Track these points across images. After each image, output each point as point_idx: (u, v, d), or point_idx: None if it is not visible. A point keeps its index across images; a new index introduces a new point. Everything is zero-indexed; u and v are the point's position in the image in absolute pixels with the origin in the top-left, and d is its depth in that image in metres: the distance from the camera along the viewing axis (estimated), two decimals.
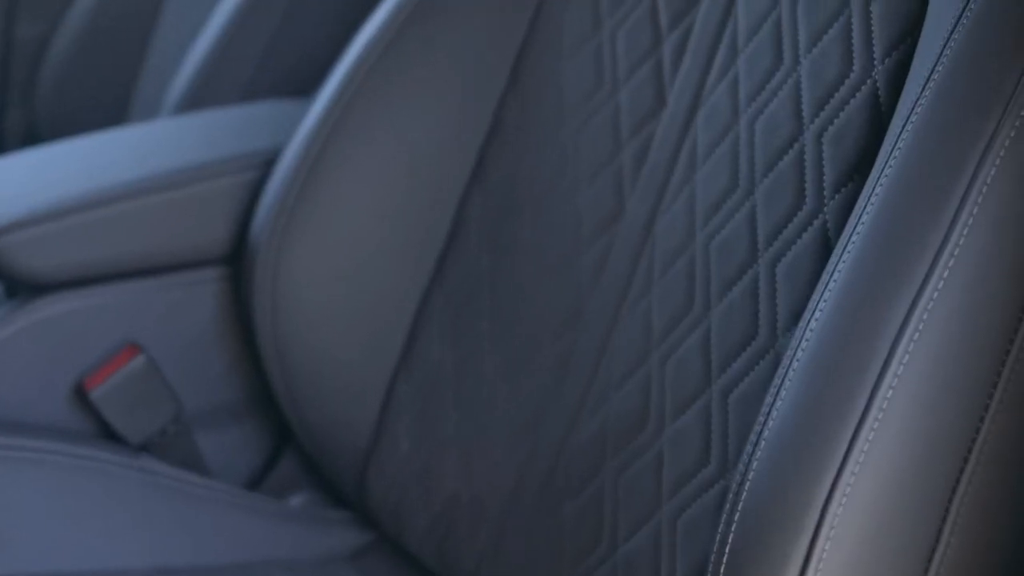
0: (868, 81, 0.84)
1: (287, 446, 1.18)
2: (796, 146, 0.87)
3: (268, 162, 1.11)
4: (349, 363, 1.08)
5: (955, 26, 0.74)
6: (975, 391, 0.68)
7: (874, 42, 0.84)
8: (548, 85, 1.06)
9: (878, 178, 0.72)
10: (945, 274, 0.67)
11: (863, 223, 0.71)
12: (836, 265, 0.71)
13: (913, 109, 0.73)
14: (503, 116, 1.08)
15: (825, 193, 0.84)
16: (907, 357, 0.66)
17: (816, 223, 0.84)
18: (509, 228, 1.05)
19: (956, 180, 0.69)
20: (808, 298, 0.82)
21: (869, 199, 0.72)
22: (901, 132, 0.72)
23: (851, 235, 0.72)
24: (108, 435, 1.10)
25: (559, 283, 1.01)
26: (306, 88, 1.32)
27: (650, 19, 1.01)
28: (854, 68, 0.85)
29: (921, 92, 0.73)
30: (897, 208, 0.70)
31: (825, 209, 0.83)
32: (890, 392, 0.66)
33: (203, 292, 1.11)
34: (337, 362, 1.08)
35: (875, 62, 0.84)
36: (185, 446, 1.12)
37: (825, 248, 0.82)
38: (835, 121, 0.85)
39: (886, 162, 0.72)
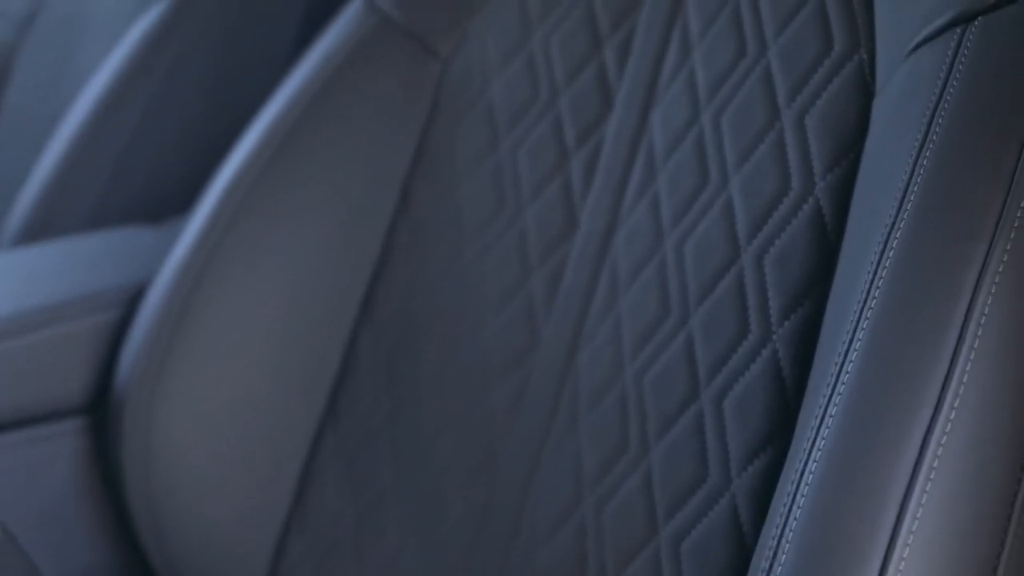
0: (810, 199, 0.78)
1: None
2: (733, 270, 0.81)
3: (132, 298, 1.00)
4: (233, 520, 0.97)
5: (922, 146, 0.68)
6: (989, 536, 0.62)
7: (812, 157, 0.79)
8: (443, 207, 0.98)
9: (861, 311, 0.66)
10: (952, 416, 0.61)
11: (852, 361, 0.65)
12: (825, 411, 0.64)
13: (890, 236, 0.67)
14: (393, 242, 0.99)
15: (772, 320, 0.78)
16: (920, 511, 0.60)
17: (765, 352, 0.77)
18: (407, 367, 0.96)
19: (952, 312, 0.63)
20: (764, 433, 0.76)
21: (854, 337, 0.65)
22: (880, 261, 0.66)
23: (838, 378, 0.65)
24: None
25: (468, 426, 0.92)
26: (160, 212, 1.21)
27: (554, 134, 0.94)
28: (792, 185, 0.79)
29: (896, 217, 0.67)
30: (889, 346, 0.64)
31: (774, 337, 0.77)
32: (906, 551, 0.60)
33: (61, 448, 0.99)
34: (219, 519, 0.97)
35: (816, 178, 0.79)
36: None
37: (778, 379, 0.76)
38: (776, 242, 0.79)
39: (868, 295, 0.66)
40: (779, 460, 0.75)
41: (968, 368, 0.62)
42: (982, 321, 0.62)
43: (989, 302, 0.63)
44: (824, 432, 0.64)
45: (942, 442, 0.61)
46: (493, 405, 0.91)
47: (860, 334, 0.65)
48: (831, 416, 0.64)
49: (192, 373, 0.96)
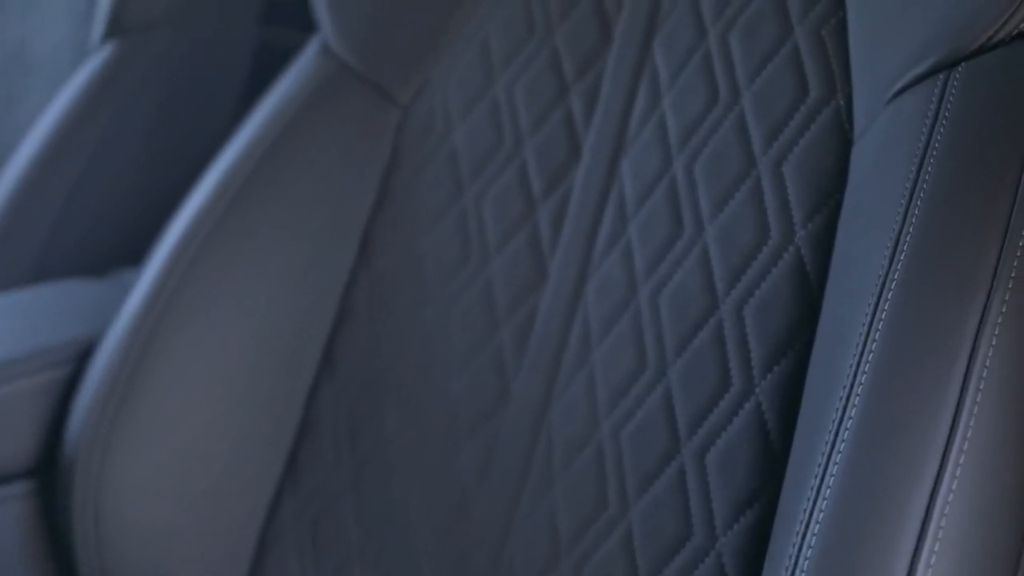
0: (790, 248, 0.77)
1: None
2: (712, 321, 0.79)
3: (80, 355, 0.96)
4: None
5: (912, 195, 0.67)
6: None
7: (791, 205, 0.78)
8: (405, 258, 0.95)
9: (857, 367, 0.64)
10: (957, 472, 0.59)
11: (851, 418, 0.62)
12: (825, 470, 0.62)
13: (884, 289, 0.65)
14: (354, 294, 0.96)
15: (754, 372, 0.76)
16: (929, 572, 0.58)
17: (748, 405, 0.75)
18: (371, 423, 0.93)
19: (952, 367, 0.61)
20: (750, 489, 0.73)
21: (852, 392, 0.63)
22: (875, 314, 0.65)
23: (837, 435, 0.63)
24: None
25: (437, 485, 0.89)
26: (104, 263, 1.17)
27: (520, 182, 0.92)
28: (771, 234, 0.78)
29: (889, 269, 0.65)
30: (890, 404, 0.62)
31: (757, 390, 0.75)
32: None
33: (7, 512, 0.94)
34: None
35: (796, 227, 0.77)
36: None
37: (762, 433, 0.74)
38: (756, 292, 0.77)
39: (864, 348, 0.64)
40: (766, 517, 0.73)
41: (972, 424, 0.60)
42: (983, 375, 0.61)
43: (990, 355, 0.61)
44: (825, 492, 0.61)
45: (948, 499, 0.59)
46: (462, 463, 0.88)
47: (858, 389, 0.63)
48: (832, 476, 0.61)
49: (144, 433, 0.92)
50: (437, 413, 0.90)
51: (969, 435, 0.60)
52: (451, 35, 0.98)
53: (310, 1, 1.05)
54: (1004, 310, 0.62)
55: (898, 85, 0.73)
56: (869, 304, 0.65)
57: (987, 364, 0.61)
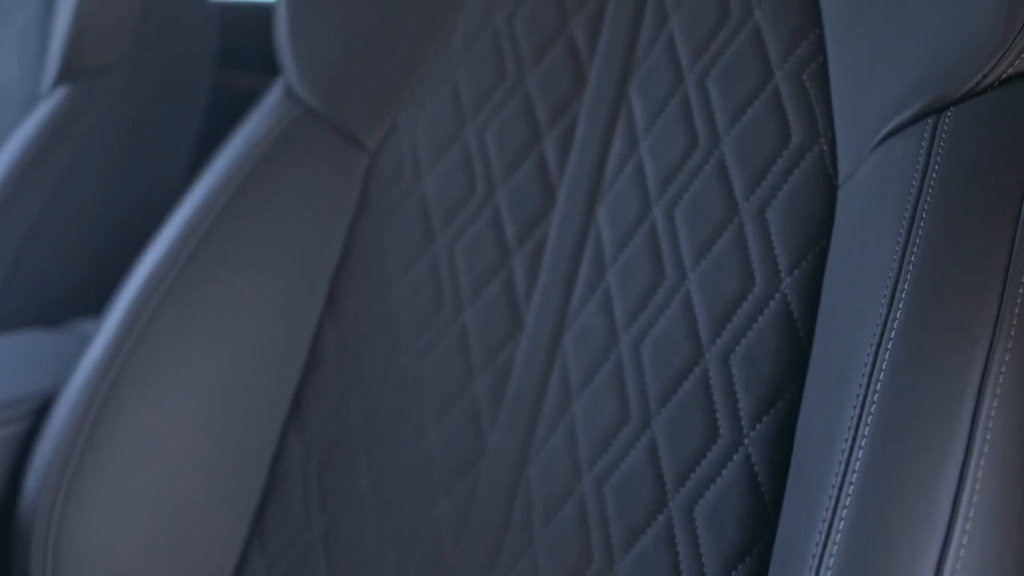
0: (776, 295, 0.75)
1: None
2: (697, 371, 0.77)
3: (37, 409, 0.93)
4: None
5: (907, 242, 0.66)
6: None
7: (776, 252, 0.76)
8: (375, 308, 0.93)
9: (859, 420, 0.62)
10: (967, 527, 0.58)
11: (855, 472, 0.61)
12: (831, 526, 0.60)
13: (882, 339, 0.64)
14: (322, 345, 0.93)
15: (743, 423, 0.74)
16: None
17: (737, 457, 0.73)
18: (342, 480, 0.90)
19: (957, 419, 0.60)
20: (741, 544, 0.72)
21: (855, 446, 0.62)
22: (875, 365, 0.63)
23: (841, 490, 0.61)
24: None
25: (413, 543, 0.86)
26: (58, 313, 1.13)
27: (494, 230, 0.90)
28: (756, 281, 0.76)
29: (887, 317, 0.64)
30: (895, 458, 0.60)
31: (746, 441, 0.73)
32: None
33: None
34: None
35: (782, 274, 0.76)
36: None
37: (753, 485, 0.72)
38: (743, 341, 0.76)
39: (865, 400, 0.62)
40: (758, 572, 0.71)
41: (979, 475, 0.59)
42: (989, 426, 0.59)
43: (995, 405, 0.60)
44: (832, 549, 0.59)
45: (960, 555, 0.57)
46: (438, 518, 0.86)
47: (862, 442, 0.61)
48: (838, 532, 0.60)
49: (105, 490, 0.88)
50: (411, 467, 0.88)
51: (978, 487, 0.58)
52: (419, 79, 0.97)
53: (269, 44, 1.03)
54: (1007, 359, 0.60)
55: (884, 130, 0.72)
56: (868, 354, 0.64)
57: (992, 415, 0.60)
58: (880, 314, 0.64)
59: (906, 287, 0.64)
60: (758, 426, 0.73)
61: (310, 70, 0.98)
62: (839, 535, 0.60)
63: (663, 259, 0.81)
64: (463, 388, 0.87)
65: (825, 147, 0.77)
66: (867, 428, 0.61)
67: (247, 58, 1.35)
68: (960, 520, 0.58)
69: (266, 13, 1.55)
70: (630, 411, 0.79)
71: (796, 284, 0.75)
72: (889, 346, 0.63)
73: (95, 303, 1.03)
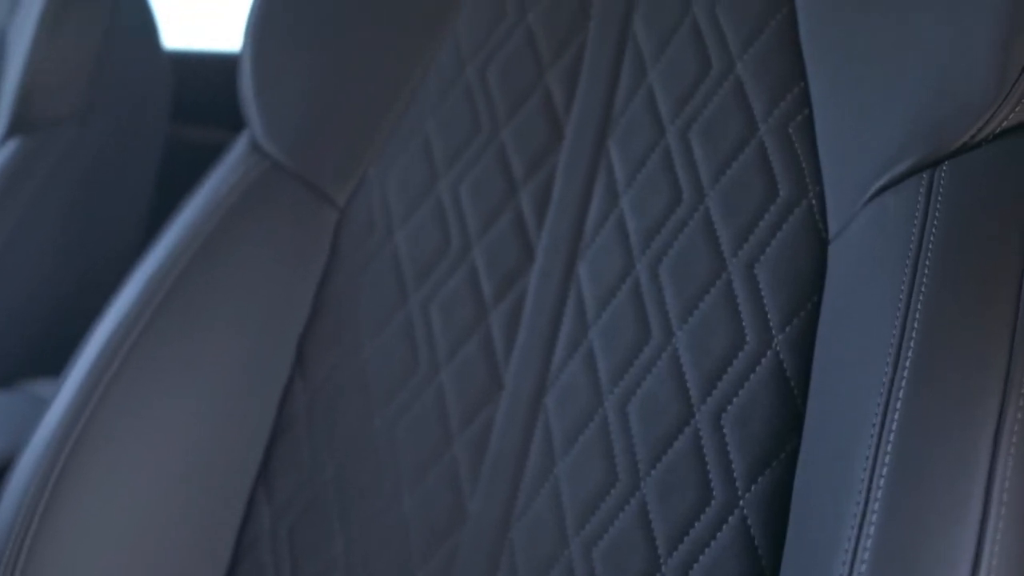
0: (768, 353, 0.74)
1: None
2: (688, 431, 0.75)
3: None
4: None
5: (910, 298, 0.64)
6: None
7: (767, 309, 0.75)
8: (346, 367, 0.90)
9: (870, 484, 0.60)
10: None
11: (870, 536, 0.59)
12: None
13: (890, 399, 0.62)
14: (291, 408, 0.90)
15: (737, 484, 0.72)
16: None
17: (732, 519, 0.71)
18: (315, 547, 0.86)
19: (972, 481, 0.58)
20: None
21: (867, 510, 0.60)
22: (884, 426, 0.61)
23: (855, 556, 0.59)
24: None
25: None
26: (12, 373, 1.09)
27: (470, 287, 0.88)
28: (747, 339, 0.74)
29: (894, 377, 0.62)
30: (910, 524, 0.58)
31: (741, 503, 0.71)
32: None
33: None
34: None
35: (773, 331, 0.74)
36: None
37: (750, 548, 0.70)
38: (734, 400, 0.74)
39: (875, 463, 0.61)
40: None
41: (998, 537, 0.57)
42: (1006, 486, 0.58)
43: (1010, 464, 0.58)
44: None
45: None
46: None
47: (875, 506, 0.59)
48: None
49: (67, 558, 0.84)
50: (388, 533, 0.84)
51: (996, 547, 0.57)
52: (388, 132, 0.94)
53: (224, 96, 1.00)
54: (1020, 416, 0.59)
55: (876, 185, 0.71)
56: (876, 413, 0.62)
57: (1008, 474, 0.58)
58: (886, 373, 0.63)
59: (912, 345, 0.63)
60: (753, 487, 0.71)
61: (275, 123, 0.95)
62: None
63: (648, 316, 0.79)
64: (441, 451, 0.85)
65: (814, 201, 0.75)
66: (880, 486, 0.59)
67: (199, 111, 1.33)
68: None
69: (222, 64, 1.52)
70: (618, 473, 0.77)
71: (788, 341, 0.73)
72: (898, 405, 0.61)
73: (50, 363, 1.00)
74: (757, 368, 0.74)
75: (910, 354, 0.62)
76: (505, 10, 0.93)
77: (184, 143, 1.32)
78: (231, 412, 0.89)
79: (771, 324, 0.74)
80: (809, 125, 0.77)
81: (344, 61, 0.96)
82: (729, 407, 0.74)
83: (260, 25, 0.97)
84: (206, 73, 1.37)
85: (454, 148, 0.92)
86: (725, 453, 0.73)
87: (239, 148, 0.96)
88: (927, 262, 0.65)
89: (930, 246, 0.65)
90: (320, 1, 0.97)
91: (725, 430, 0.73)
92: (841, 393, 0.67)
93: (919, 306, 0.64)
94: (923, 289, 0.64)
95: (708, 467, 0.73)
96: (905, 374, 0.62)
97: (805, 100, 0.78)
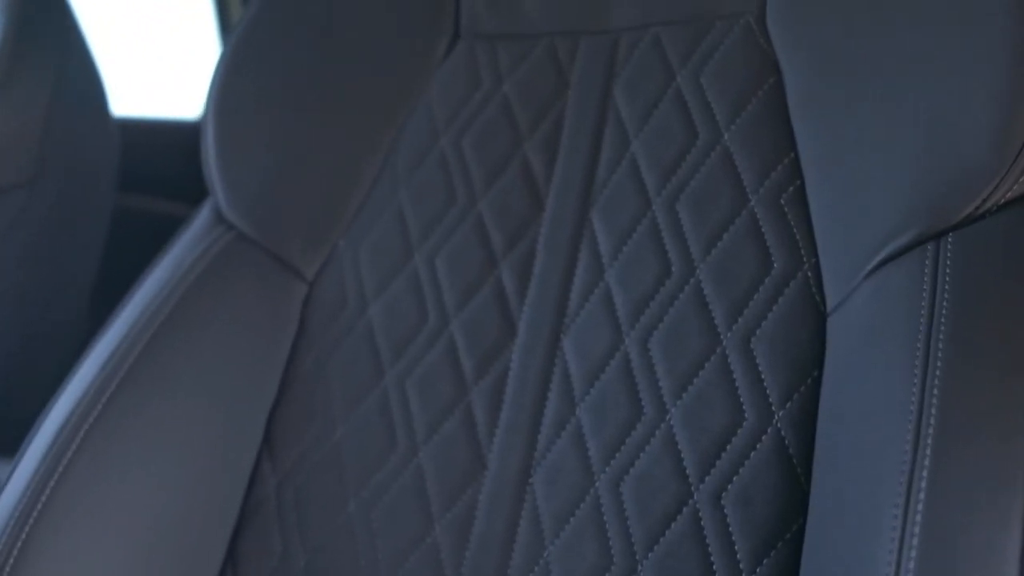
0: (769, 430, 0.71)
1: None
2: (686, 512, 0.72)
3: None
4: None
5: (926, 371, 0.62)
6: None
7: (766, 385, 0.72)
8: (319, 450, 0.86)
9: (898, 560, 0.58)
10: None
11: None
12: None
13: (913, 476, 0.60)
14: (259, 492, 0.86)
15: (741, 566, 0.69)
16: None
17: None
18: None
19: (1004, 561, 0.56)
20: None
21: None
22: (908, 503, 0.59)
23: None
24: None
25: None
26: None
27: (449, 363, 0.84)
28: (746, 416, 0.72)
29: (915, 454, 0.60)
30: None
31: None
32: None
33: None
34: None
35: (773, 408, 0.72)
36: None
37: None
38: (735, 479, 0.71)
39: (902, 545, 0.58)
40: None
41: None
42: None
43: None
44: None
45: None
46: None
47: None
48: None
49: None
50: None
51: None
52: (359, 202, 0.91)
53: (173, 166, 0.97)
54: None
55: (877, 258, 0.69)
56: (899, 492, 0.60)
57: None
58: (906, 451, 0.61)
59: (933, 418, 0.61)
60: (758, 569, 0.69)
61: (239, 192, 0.92)
62: None
63: (640, 393, 0.77)
64: (421, 536, 0.81)
65: (810, 273, 0.74)
66: (911, 568, 0.57)
67: (148, 181, 1.29)
68: None
69: (171, 132, 1.49)
70: (613, 555, 0.74)
71: (790, 417, 0.71)
72: (923, 484, 0.59)
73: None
74: (758, 446, 0.71)
75: (931, 426, 0.60)
76: (479, 79, 0.91)
77: (132, 212, 1.28)
78: (197, 494, 0.85)
79: (771, 400, 0.72)
80: (801, 196, 0.76)
81: (310, 130, 0.93)
82: (729, 486, 0.71)
83: (223, 91, 0.93)
84: (155, 141, 1.34)
85: (429, 219, 0.89)
86: (727, 534, 0.70)
87: (203, 217, 0.92)
88: (941, 333, 0.63)
89: (943, 317, 0.64)
90: (285, 67, 0.94)
91: (726, 510, 0.71)
92: (853, 470, 0.65)
93: (936, 379, 0.62)
94: (939, 360, 0.62)
95: (709, 549, 0.71)
96: (928, 448, 0.60)
97: (796, 170, 0.76)
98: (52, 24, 1.14)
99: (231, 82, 0.94)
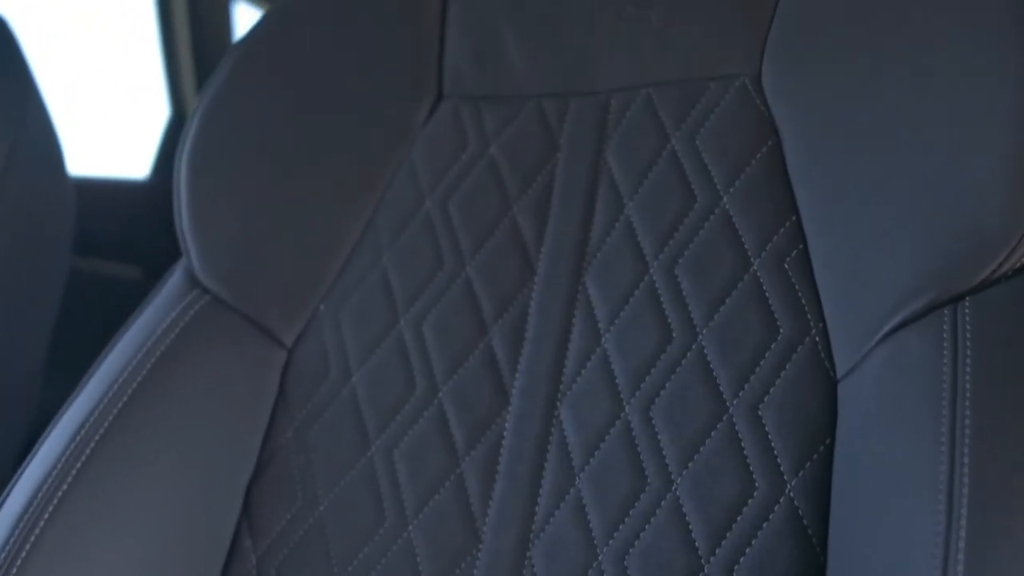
0: (782, 500, 0.69)
1: None
2: None
3: None
4: None
5: (953, 438, 0.61)
6: None
7: (777, 454, 0.70)
8: (301, 526, 0.82)
9: None
10: None
11: None
12: None
13: (949, 548, 0.58)
14: (238, 570, 0.82)
15: None
16: None
17: None
18: None
19: None
20: None
21: None
22: (946, 569, 0.58)
23: None
24: None
25: None
26: None
27: (439, 434, 0.81)
28: (757, 485, 0.70)
29: (948, 525, 0.58)
30: None
31: None
32: None
33: None
34: None
35: (785, 476, 0.70)
36: None
37: None
38: (747, 551, 0.69)
39: None
40: None
41: None
42: None
43: None
44: None
45: None
46: None
47: None
48: None
49: None
50: None
51: None
52: (340, 266, 0.89)
53: (127, 228, 0.93)
54: None
55: (891, 323, 0.68)
56: (935, 566, 0.58)
57: None
58: (939, 521, 0.59)
59: (965, 487, 0.59)
60: None
61: (213, 255, 0.88)
62: None
63: (643, 462, 0.74)
64: None
65: (817, 339, 0.72)
66: None
67: (104, 245, 1.25)
68: None
69: (125, 194, 1.45)
70: None
71: (803, 486, 0.69)
72: (960, 556, 0.58)
73: None
74: (770, 516, 0.69)
75: (965, 496, 0.59)
76: (465, 140, 0.89)
77: (87, 276, 1.23)
78: (171, 573, 0.81)
79: (782, 469, 0.70)
80: (805, 259, 0.74)
81: (288, 193, 0.90)
82: (742, 559, 0.69)
83: (197, 149, 0.90)
84: (104, 201, 1.29)
85: (415, 284, 0.86)
86: None
87: (176, 280, 0.88)
88: (967, 398, 0.62)
89: (967, 381, 0.62)
90: (262, 127, 0.91)
91: None
92: (876, 539, 0.63)
93: (966, 447, 0.60)
94: (967, 425, 0.61)
95: None
96: (963, 520, 0.58)
97: (798, 233, 0.75)
98: (10, 83, 1.10)
99: (205, 140, 0.90)
